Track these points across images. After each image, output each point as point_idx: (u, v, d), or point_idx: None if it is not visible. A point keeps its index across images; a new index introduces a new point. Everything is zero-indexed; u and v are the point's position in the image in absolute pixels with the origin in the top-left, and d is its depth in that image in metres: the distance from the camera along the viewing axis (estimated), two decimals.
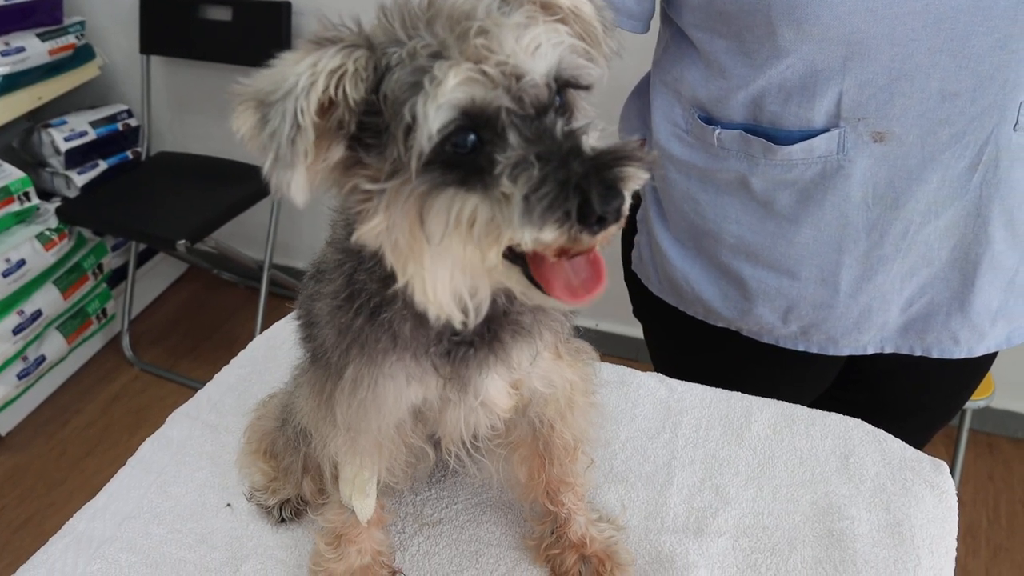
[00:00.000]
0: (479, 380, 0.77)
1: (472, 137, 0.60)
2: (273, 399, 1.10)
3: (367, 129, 0.61)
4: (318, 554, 0.96)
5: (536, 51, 0.61)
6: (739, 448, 1.09)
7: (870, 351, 1.20)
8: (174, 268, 3.53)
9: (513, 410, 0.85)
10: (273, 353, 1.28)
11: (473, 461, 0.91)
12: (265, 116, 0.59)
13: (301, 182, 0.60)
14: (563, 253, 0.60)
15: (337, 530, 0.94)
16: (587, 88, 0.66)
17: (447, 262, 0.62)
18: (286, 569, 0.98)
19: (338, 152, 0.63)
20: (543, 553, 0.97)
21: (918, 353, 1.20)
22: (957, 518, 1.02)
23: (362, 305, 0.73)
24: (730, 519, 1.01)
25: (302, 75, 0.59)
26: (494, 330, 0.75)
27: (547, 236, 0.57)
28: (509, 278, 0.64)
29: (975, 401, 2.01)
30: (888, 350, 1.20)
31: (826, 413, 1.14)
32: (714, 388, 1.19)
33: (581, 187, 0.57)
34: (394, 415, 0.80)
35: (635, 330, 1.48)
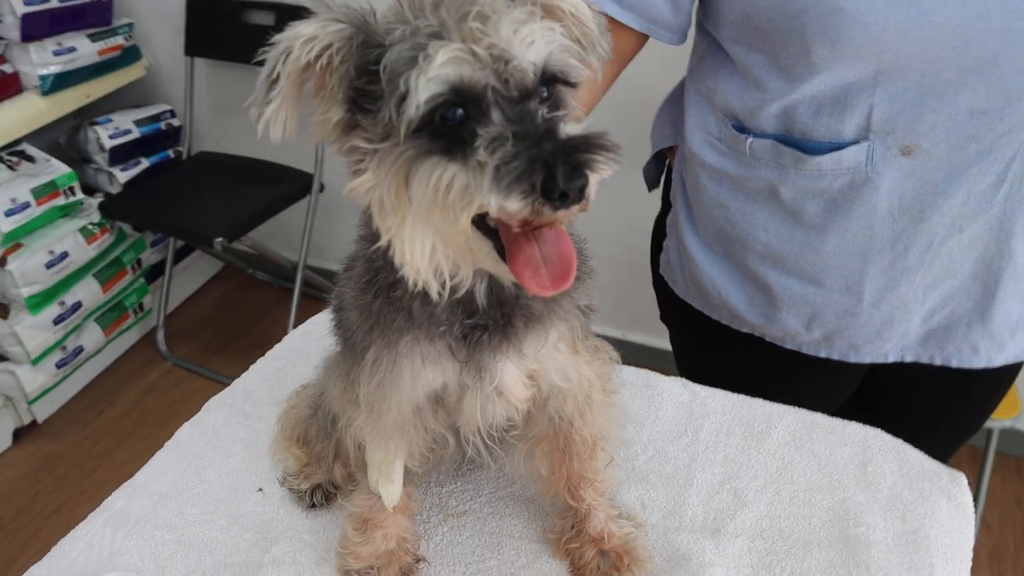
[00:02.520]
0: (493, 365, 0.81)
1: (459, 112, 0.66)
2: (306, 389, 1.14)
3: (367, 95, 0.68)
4: (346, 538, 1.00)
5: (529, 44, 0.66)
6: (759, 453, 1.12)
7: (891, 359, 1.22)
8: (210, 266, 3.60)
9: (531, 402, 0.88)
10: (307, 346, 1.32)
11: (491, 452, 0.94)
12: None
13: (275, 121, 0.69)
14: (527, 224, 0.65)
15: (364, 515, 0.98)
16: (574, 85, 0.71)
17: (426, 227, 0.68)
18: (314, 552, 1.02)
19: (337, 113, 0.70)
20: (563, 547, 1.00)
21: (938, 362, 1.21)
22: (974, 530, 1.03)
23: (380, 286, 0.79)
24: (747, 521, 1.03)
25: (284, 38, 0.68)
26: (507, 316, 0.79)
27: (512, 205, 0.63)
28: (480, 249, 0.69)
29: (1001, 421, 2.00)
30: (909, 359, 1.21)
31: (846, 422, 1.16)
32: (736, 394, 1.21)
33: (548, 164, 0.62)
34: (412, 395, 0.83)
35: (662, 341, 1.51)
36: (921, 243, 1.09)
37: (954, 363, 1.21)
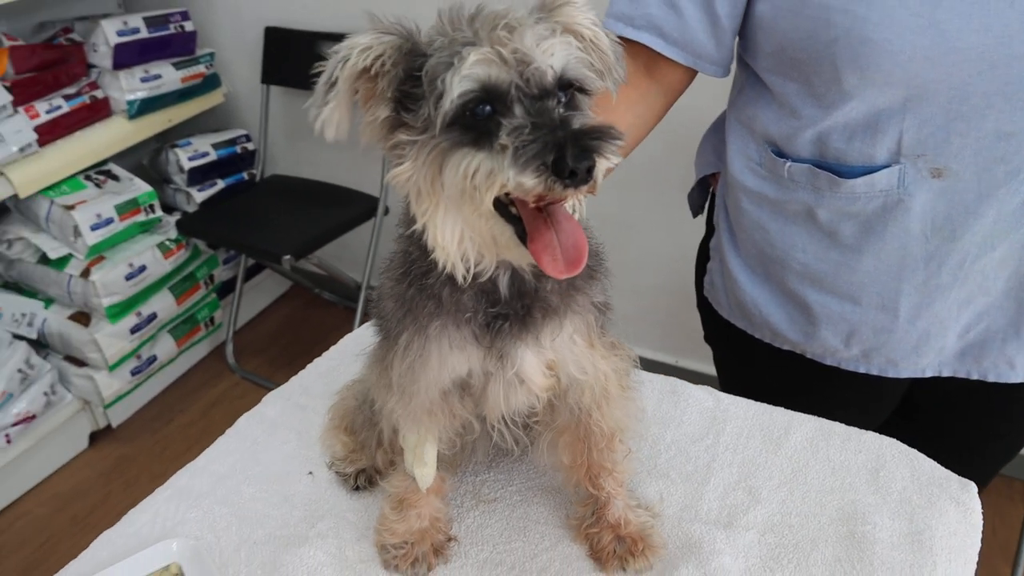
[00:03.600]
0: (514, 352, 0.90)
1: (487, 108, 0.75)
2: (356, 384, 1.24)
3: (410, 97, 0.78)
4: (384, 516, 1.09)
5: (550, 53, 0.76)
6: (775, 456, 1.17)
7: (928, 374, 1.26)
8: (279, 285, 3.76)
9: (551, 392, 0.96)
10: (361, 348, 1.42)
11: (515, 438, 1.02)
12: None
13: (331, 122, 0.79)
14: (541, 200, 0.74)
15: (400, 495, 1.07)
16: (589, 93, 0.80)
17: (456, 214, 0.78)
18: (355, 529, 1.11)
19: (384, 112, 0.80)
20: (583, 532, 1.07)
21: (975, 377, 1.26)
22: (980, 535, 1.08)
23: (414, 275, 0.89)
24: (759, 516, 1.09)
25: (343, 47, 0.78)
26: (527, 306, 0.88)
27: (527, 181, 0.72)
28: (503, 234, 0.78)
29: None
30: (946, 373, 1.26)
31: (862, 431, 1.21)
32: (758, 402, 1.28)
33: (560, 146, 0.71)
34: (439, 379, 0.92)
35: (712, 367, 1.58)
36: (954, 261, 1.14)
37: (991, 377, 1.25)
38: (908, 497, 1.10)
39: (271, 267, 3.58)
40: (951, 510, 1.08)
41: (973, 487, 1.12)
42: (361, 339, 1.46)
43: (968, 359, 1.25)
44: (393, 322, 0.92)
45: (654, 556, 1.04)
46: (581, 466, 1.05)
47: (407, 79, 0.79)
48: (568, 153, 0.71)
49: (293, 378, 1.41)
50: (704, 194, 1.51)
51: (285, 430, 1.29)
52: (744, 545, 1.05)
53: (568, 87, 0.79)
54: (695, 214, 1.54)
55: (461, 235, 0.81)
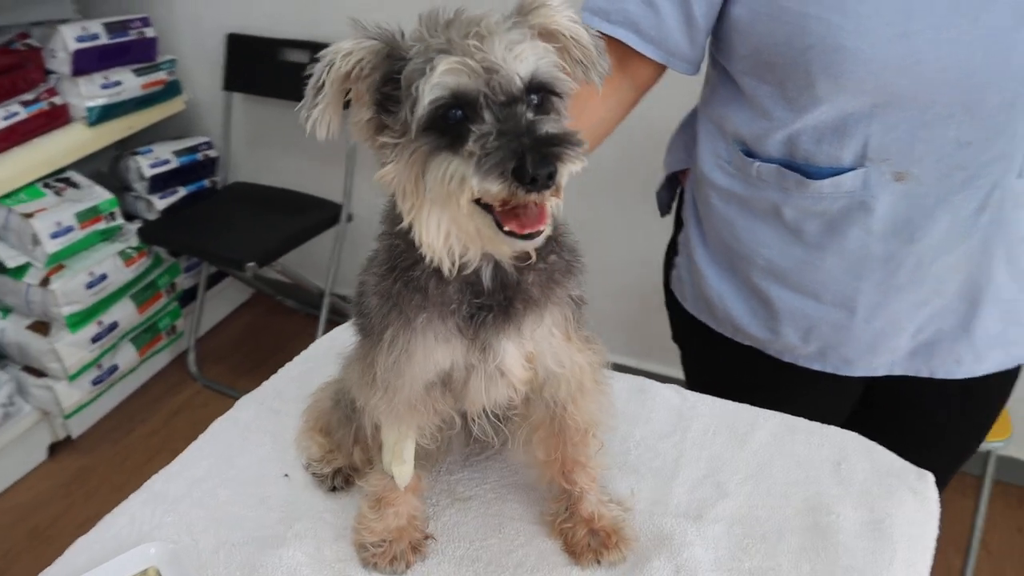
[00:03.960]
0: (496, 344, 0.92)
1: (459, 112, 0.78)
2: (330, 385, 1.25)
3: (391, 99, 0.82)
4: (362, 515, 1.10)
5: (518, 59, 0.79)
6: (741, 451, 1.21)
7: (880, 373, 1.31)
8: (240, 293, 3.74)
9: (529, 385, 0.99)
10: (333, 352, 1.43)
11: (496, 431, 1.05)
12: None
13: (322, 123, 0.82)
14: (505, 204, 0.78)
15: (378, 494, 1.08)
16: (561, 95, 0.83)
17: (440, 212, 0.82)
18: (333, 529, 1.12)
19: (367, 114, 0.84)
20: (557, 527, 1.10)
21: (924, 374, 1.31)
22: (938, 522, 1.12)
23: (400, 269, 0.91)
24: (727, 509, 1.12)
25: (329, 52, 0.81)
26: (509, 298, 0.91)
27: (492, 187, 0.75)
28: (483, 221, 0.81)
29: (994, 443, 2.08)
30: (897, 372, 1.31)
31: (825, 425, 1.25)
32: (724, 400, 1.31)
33: (521, 154, 0.74)
34: (424, 372, 0.94)
35: (679, 370, 1.61)
36: (911, 263, 1.19)
37: (939, 374, 1.31)
38: (869, 488, 1.14)
39: (233, 275, 3.57)
40: (909, 499, 1.12)
41: (930, 477, 1.16)
42: (334, 341, 1.47)
43: (918, 358, 1.30)
44: (377, 318, 0.94)
45: (627, 549, 1.07)
46: (555, 461, 1.07)
47: (387, 82, 0.82)
48: (528, 160, 0.74)
49: (265, 383, 1.42)
50: (672, 192, 1.55)
51: (259, 433, 1.30)
52: (713, 536, 1.08)
53: (539, 90, 0.81)
54: (663, 213, 1.58)
55: (448, 231, 0.83)
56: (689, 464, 1.20)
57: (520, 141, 0.75)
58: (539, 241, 0.81)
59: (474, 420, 1.03)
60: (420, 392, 0.97)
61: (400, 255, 0.91)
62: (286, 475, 1.22)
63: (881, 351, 1.29)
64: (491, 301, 0.91)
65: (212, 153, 3.33)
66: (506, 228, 0.79)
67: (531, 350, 0.95)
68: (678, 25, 1.19)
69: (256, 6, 3.10)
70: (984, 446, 2.13)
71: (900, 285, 1.22)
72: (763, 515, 1.11)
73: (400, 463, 1.04)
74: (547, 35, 0.85)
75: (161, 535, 1.12)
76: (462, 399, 0.99)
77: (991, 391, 1.40)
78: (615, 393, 1.28)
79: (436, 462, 1.18)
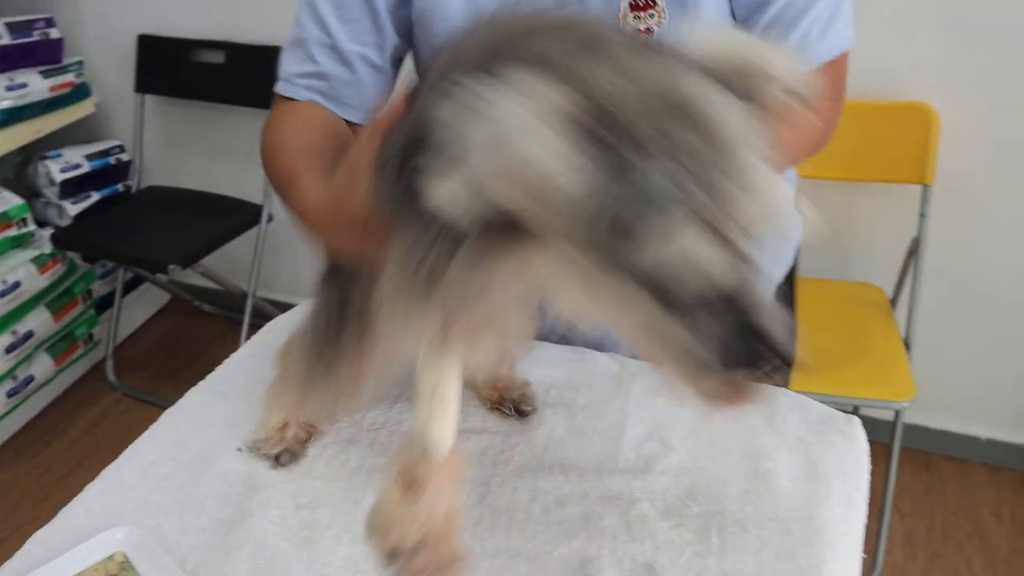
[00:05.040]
0: None
1: None
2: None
3: None
4: (383, 507, 0.81)
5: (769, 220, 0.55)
6: (682, 410, 1.27)
7: None
8: (158, 298, 3.68)
9: None
10: (281, 338, 1.44)
11: None
12: None
13: None
14: None
15: (409, 473, 0.80)
16: None
17: None
18: (292, 499, 1.13)
19: None
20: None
21: None
22: (869, 458, 1.19)
23: None
24: (672, 462, 1.18)
25: None
26: None
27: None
28: None
29: (899, 403, 2.21)
30: None
31: (757, 383, 1.33)
32: None
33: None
34: None
35: None
36: None
37: None
38: (802, 436, 1.22)
39: (150, 280, 3.50)
40: (840, 441, 1.21)
41: (856, 420, 1.25)
42: (280, 326, 1.49)
43: None
44: None
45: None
46: None
47: None
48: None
49: (210, 375, 1.43)
50: None
51: (209, 417, 1.30)
52: (661, 489, 1.14)
53: None
54: None
55: None
56: (634, 424, 1.26)
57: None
58: None
59: None
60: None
61: None
62: (239, 449, 1.23)
63: None
64: None
65: (125, 157, 3.27)
66: None
67: None
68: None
69: (167, 7, 3.06)
70: (891, 406, 2.27)
71: None
72: (707, 465, 1.18)
73: (442, 415, 0.80)
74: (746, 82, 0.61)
75: (123, 522, 1.12)
76: None
77: None
78: (556, 365, 1.35)
79: None
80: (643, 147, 0.53)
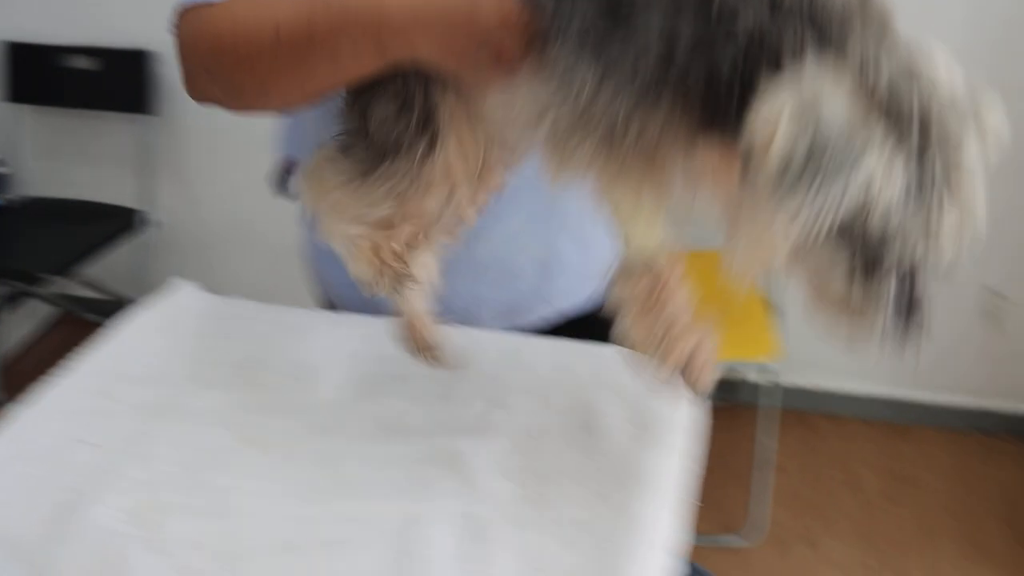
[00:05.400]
0: None
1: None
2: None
3: None
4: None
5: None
6: (513, 372, 1.31)
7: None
8: (46, 313, 3.60)
9: None
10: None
11: None
12: None
13: None
14: None
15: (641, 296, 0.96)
16: None
17: None
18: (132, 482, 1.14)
19: None
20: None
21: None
22: (689, 406, 1.25)
23: None
24: (506, 421, 1.22)
25: None
26: None
27: None
28: None
29: (770, 364, 2.30)
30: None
31: (581, 343, 1.39)
32: (495, 332, 1.43)
33: None
34: None
35: None
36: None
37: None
38: (631, 390, 1.27)
39: (33, 293, 3.43)
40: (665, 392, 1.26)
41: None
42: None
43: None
44: None
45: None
46: None
47: None
48: None
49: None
50: None
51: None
52: (498, 448, 1.16)
53: None
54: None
55: None
56: (469, 386, 1.29)
57: None
58: None
59: None
60: None
61: None
62: (80, 440, 1.23)
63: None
64: None
65: (3, 169, 3.19)
66: None
67: None
68: None
69: (30, 13, 3.00)
70: (764, 368, 2.36)
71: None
72: (543, 421, 1.22)
73: (651, 227, 0.89)
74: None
75: None
76: None
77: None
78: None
79: None
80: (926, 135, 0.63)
